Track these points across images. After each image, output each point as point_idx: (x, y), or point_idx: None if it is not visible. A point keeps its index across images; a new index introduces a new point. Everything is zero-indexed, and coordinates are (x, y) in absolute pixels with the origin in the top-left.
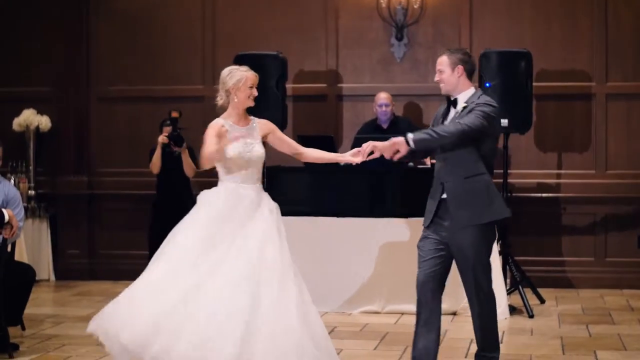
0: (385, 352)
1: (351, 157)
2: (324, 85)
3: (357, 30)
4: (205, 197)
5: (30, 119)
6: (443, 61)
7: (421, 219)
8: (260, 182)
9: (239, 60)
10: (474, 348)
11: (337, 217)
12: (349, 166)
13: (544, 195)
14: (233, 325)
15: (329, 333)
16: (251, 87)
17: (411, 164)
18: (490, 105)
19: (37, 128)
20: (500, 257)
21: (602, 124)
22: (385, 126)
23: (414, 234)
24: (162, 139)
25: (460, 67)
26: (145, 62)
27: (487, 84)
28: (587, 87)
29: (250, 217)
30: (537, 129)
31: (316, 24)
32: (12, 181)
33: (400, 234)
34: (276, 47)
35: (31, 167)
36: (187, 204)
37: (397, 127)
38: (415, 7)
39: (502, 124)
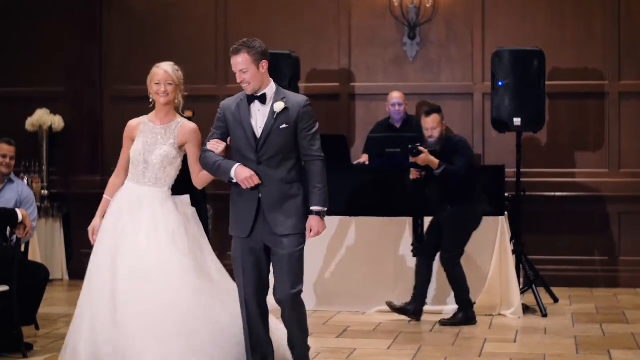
0: (399, 352)
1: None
2: (337, 84)
3: (370, 29)
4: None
5: (43, 118)
6: (245, 59)
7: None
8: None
9: None
10: (488, 347)
11: (350, 216)
12: (361, 166)
13: (557, 194)
14: None
15: (343, 332)
16: (157, 84)
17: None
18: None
19: (50, 128)
20: (514, 256)
21: (615, 123)
22: (398, 125)
23: None
24: None
25: (265, 62)
26: (158, 61)
27: (500, 83)
28: (600, 86)
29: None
30: (550, 127)
31: (329, 24)
32: (25, 181)
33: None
34: (289, 47)
35: (44, 167)
36: (199, 201)
37: (409, 126)
38: (427, 6)
39: (515, 123)
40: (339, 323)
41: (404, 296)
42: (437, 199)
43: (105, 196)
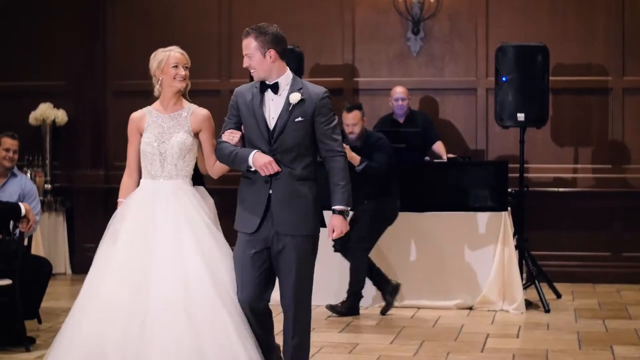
0: (402, 347)
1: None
2: (341, 79)
3: (374, 24)
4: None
5: (47, 112)
6: (251, 45)
7: (438, 213)
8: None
9: None
10: (490, 342)
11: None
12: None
13: (561, 189)
14: None
15: (346, 327)
16: (175, 67)
17: (427, 158)
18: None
19: (54, 122)
20: (517, 251)
21: (618, 118)
22: (401, 120)
23: (430, 228)
24: None
25: (272, 51)
26: None
27: (504, 78)
28: (604, 82)
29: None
30: (554, 123)
31: (332, 18)
32: (29, 175)
33: (416, 228)
34: (292, 41)
35: (47, 161)
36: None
37: (413, 121)
38: (431, 1)
39: (518, 118)
40: (341, 318)
41: (408, 291)
42: (356, 194)
43: (119, 200)
